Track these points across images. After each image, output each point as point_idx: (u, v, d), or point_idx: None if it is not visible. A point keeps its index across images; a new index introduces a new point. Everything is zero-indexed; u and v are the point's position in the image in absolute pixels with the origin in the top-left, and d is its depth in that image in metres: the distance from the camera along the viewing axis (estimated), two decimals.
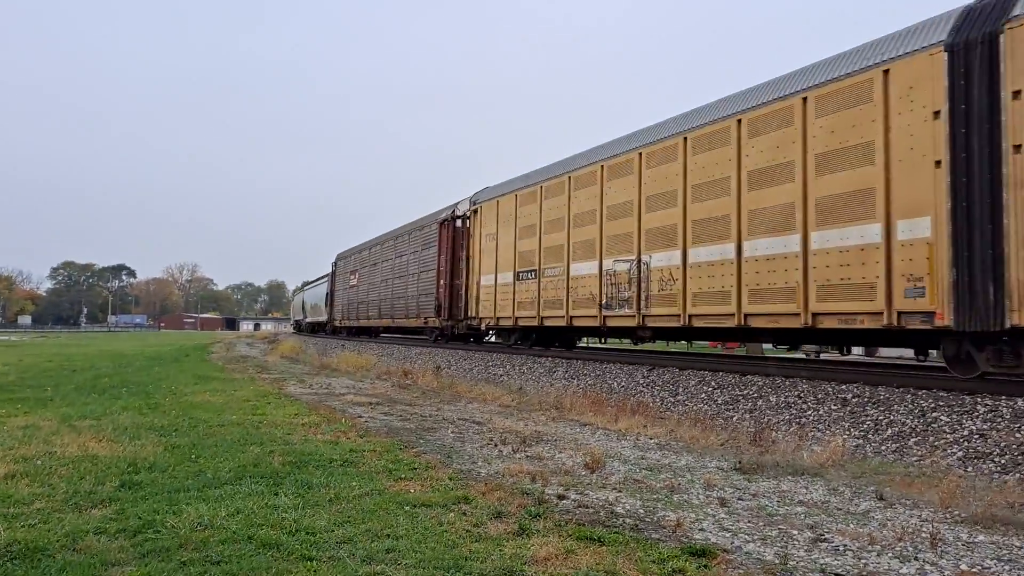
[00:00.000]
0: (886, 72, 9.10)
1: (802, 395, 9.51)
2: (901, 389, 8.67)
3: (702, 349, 27.36)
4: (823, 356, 22.95)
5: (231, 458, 6.40)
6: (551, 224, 16.42)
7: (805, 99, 10.17)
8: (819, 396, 9.29)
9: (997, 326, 7.81)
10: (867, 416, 8.40)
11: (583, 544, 4.11)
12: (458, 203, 22.30)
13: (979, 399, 7.78)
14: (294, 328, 62.76)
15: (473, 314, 20.46)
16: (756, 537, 4.37)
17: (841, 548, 4.20)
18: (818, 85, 10.06)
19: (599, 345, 25.50)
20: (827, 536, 4.41)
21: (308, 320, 51.58)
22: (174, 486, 5.37)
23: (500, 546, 4.06)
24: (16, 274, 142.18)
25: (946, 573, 3.79)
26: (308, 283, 56.89)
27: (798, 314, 10.07)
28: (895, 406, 8.32)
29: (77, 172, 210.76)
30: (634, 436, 8.38)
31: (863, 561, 3.97)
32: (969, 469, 6.77)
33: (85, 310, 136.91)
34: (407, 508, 4.80)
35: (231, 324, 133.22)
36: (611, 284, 14.06)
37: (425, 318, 24.32)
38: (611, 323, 14.23)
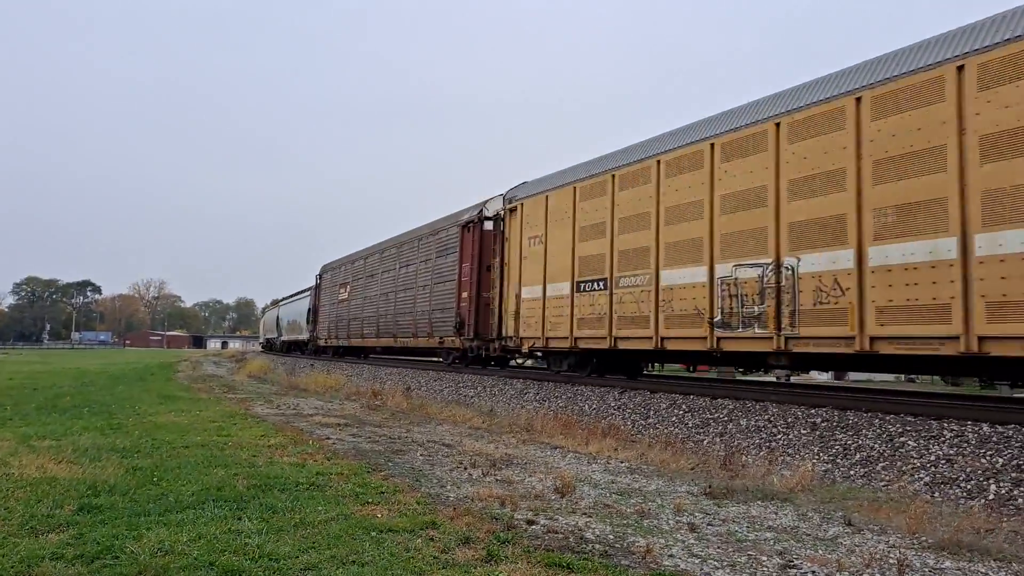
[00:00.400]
0: None
1: (772, 419, 9.56)
2: (869, 414, 8.75)
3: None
4: (792, 380, 23.22)
5: (194, 481, 6.27)
6: (628, 221, 13.19)
7: None
8: (789, 420, 9.35)
9: None
10: (836, 441, 8.46)
11: (552, 571, 4.06)
12: (487, 201, 18.83)
13: (945, 424, 7.88)
14: (263, 347, 58.90)
15: (511, 333, 16.88)
16: (725, 563, 4.36)
17: (810, 574, 4.20)
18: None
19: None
20: (796, 562, 4.41)
21: (284, 339, 46.45)
22: (135, 510, 5.24)
23: (468, 572, 4.00)
24: None
25: None
26: (283, 298, 52.61)
27: None
28: (864, 431, 8.39)
29: (41, 185, 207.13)
30: (605, 459, 8.36)
31: None
32: (936, 494, 6.84)
33: (48, 326, 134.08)
34: (374, 533, 4.72)
35: (198, 342, 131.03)
36: (729, 296, 11.05)
37: (440, 338, 20.55)
38: (728, 347, 11.05)
